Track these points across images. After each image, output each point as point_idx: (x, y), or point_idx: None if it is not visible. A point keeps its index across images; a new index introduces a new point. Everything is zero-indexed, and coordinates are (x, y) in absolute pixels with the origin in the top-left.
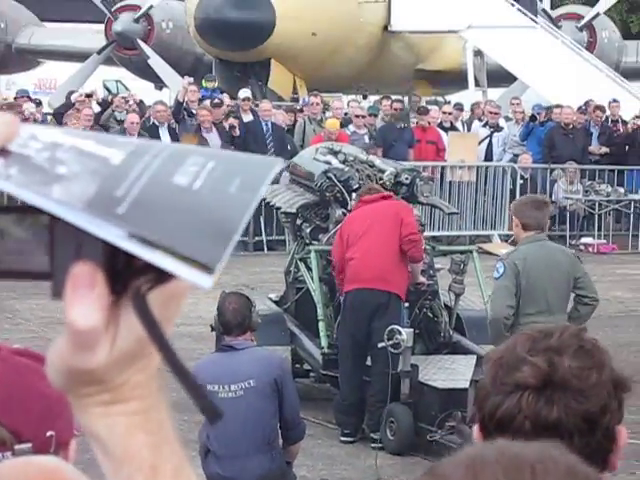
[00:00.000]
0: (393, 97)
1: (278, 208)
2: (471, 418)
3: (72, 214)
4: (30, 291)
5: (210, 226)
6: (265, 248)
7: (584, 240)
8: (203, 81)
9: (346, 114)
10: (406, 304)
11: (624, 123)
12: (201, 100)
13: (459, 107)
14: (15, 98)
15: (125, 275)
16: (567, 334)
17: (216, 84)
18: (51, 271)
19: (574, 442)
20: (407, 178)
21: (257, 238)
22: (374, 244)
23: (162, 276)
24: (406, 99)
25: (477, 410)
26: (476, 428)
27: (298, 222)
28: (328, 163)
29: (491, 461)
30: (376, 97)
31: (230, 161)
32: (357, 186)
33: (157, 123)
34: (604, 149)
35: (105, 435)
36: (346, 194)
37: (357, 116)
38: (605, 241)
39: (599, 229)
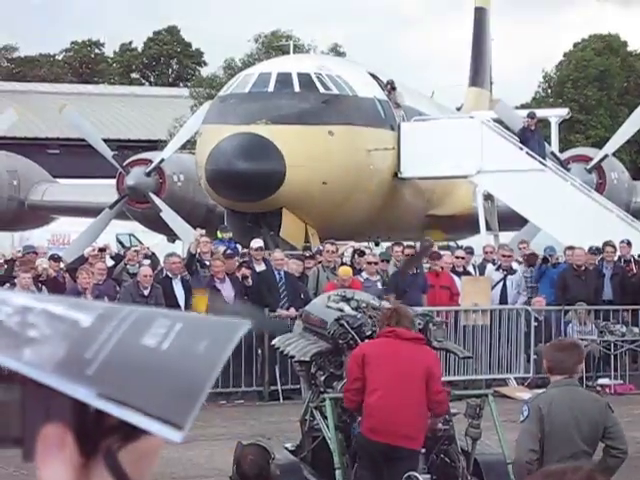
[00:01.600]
0: (405, 243)
1: (292, 357)
2: None
3: (42, 375)
4: None
5: (178, 386)
6: (281, 397)
7: (601, 381)
8: (218, 232)
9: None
10: (423, 449)
11: (637, 263)
12: (221, 251)
13: (469, 251)
14: (23, 254)
15: (95, 435)
16: (580, 475)
17: (231, 234)
18: (22, 434)
19: None
20: (420, 323)
21: (272, 387)
22: (406, 400)
23: (131, 435)
24: (418, 244)
25: None
26: None
27: (312, 370)
28: (341, 310)
29: None
30: (388, 243)
31: (197, 323)
32: (370, 333)
33: (170, 275)
34: None
35: None
36: (359, 341)
37: (369, 263)
38: (622, 381)
39: (615, 369)
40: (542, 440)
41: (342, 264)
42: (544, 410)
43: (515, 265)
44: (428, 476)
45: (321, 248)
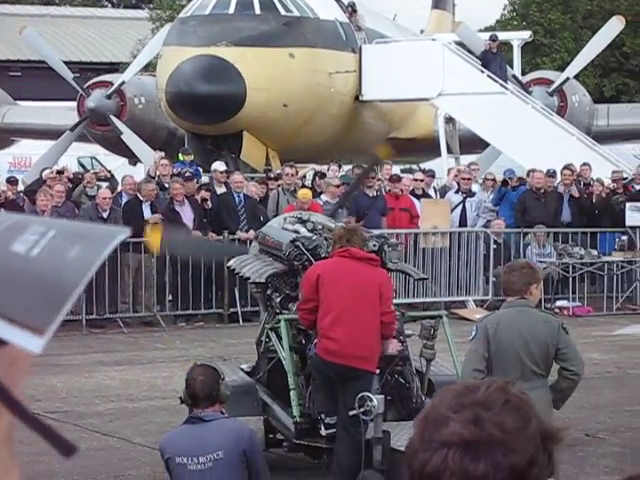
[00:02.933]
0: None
1: (247, 278)
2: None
3: None
4: None
5: (44, 290)
6: (240, 320)
7: (559, 303)
8: (180, 154)
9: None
10: (377, 370)
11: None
12: (180, 174)
13: (430, 174)
14: None
15: None
16: (493, 388)
17: (192, 157)
18: None
19: None
20: (375, 245)
21: (232, 310)
22: (360, 322)
23: None
24: (378, 167)
25: (407, 467)
26: None
27: (268, 292)
28: (296, 232)
29: None
30: (350, 166)
31: (72, 230)
32: (325, 254)
33: (141, 198)
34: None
35: None
36: (314, 262)
37: (333, 185)
38: (580, 303)
39: (574, 292)
40: (490, 360)
41: (303, 186)
42: (491, 330)
43: (475, 188)
44: (381, 397)
45: (282, 171)
